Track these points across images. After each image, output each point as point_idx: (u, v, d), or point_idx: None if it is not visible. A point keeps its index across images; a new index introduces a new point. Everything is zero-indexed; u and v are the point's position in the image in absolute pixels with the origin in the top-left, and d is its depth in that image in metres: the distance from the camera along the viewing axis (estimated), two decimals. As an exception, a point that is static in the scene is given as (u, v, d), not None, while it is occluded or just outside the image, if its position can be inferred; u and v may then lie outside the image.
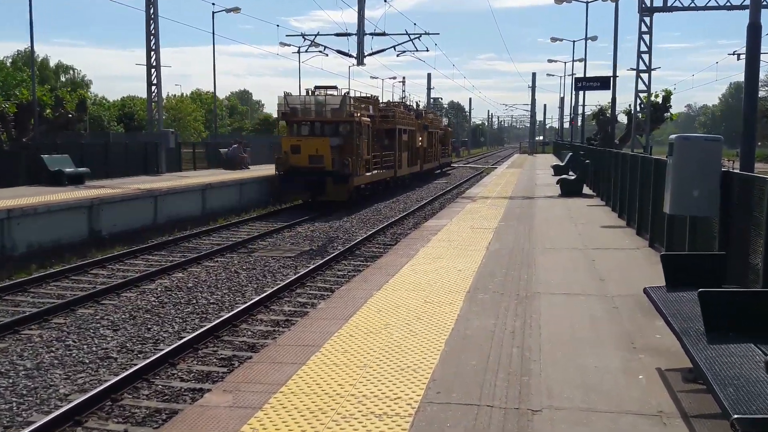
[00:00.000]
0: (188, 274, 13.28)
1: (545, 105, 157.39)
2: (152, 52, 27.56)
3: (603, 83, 33.25)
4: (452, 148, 61.32)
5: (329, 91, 27.09)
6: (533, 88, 75.84)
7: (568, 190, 21.26)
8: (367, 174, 27.61)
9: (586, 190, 22.14)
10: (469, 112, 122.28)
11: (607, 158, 18.89)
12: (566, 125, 79.20)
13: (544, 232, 13.18)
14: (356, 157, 25.78)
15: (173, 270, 13.45)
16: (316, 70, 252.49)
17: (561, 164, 31.20)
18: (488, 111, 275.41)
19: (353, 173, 25.23)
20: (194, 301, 11.19)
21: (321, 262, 14.10)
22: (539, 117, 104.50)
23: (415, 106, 44.85)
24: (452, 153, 60.74)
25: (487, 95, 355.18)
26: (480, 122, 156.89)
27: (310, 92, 27.00)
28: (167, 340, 9.15)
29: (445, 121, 60.43)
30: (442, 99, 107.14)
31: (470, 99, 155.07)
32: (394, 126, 32.58)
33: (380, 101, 35.91)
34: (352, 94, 27.75)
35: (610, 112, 36.72)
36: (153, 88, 27.91)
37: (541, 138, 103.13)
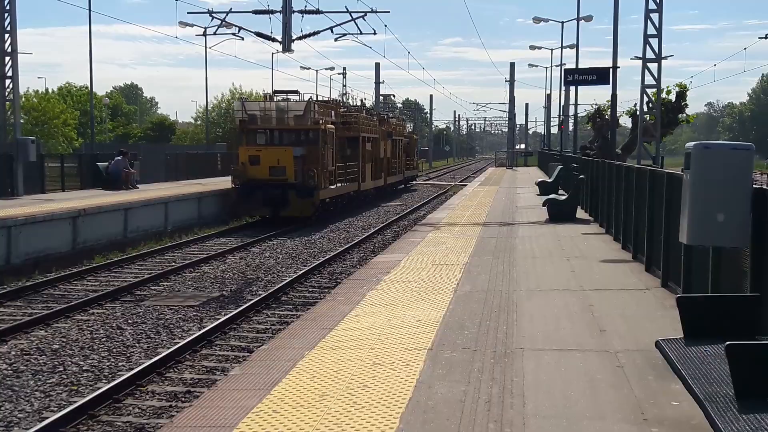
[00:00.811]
0: (53, 331, 13.01)
1: (527, 104, 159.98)
2: (7, 35, 27.10)
3: (600, 76, 33.91)
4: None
5: (290, 96, 31.21)
6: (512, 82, 77.06)
7: (558, 213, 21.59)
8: (332, 187, 31.10)
9: (580, 213, 22.52)
10: (430, 114, 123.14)
11: (606, 172, 19.26)
12: (554, 130, 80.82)
13: (527, 269, 13.32)
14: (321, 168, 29.19)
15: (32, 327, 13.17)
16: (229, 58, 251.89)
17: (548, 181, 31.92)
18: (454, 112, 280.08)
19: (319, 186, 28.53)
20: (61, 369, 10.94)
21: (235, 312, 13.96)
22: (520, 120, 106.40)
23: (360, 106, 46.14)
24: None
25: (452, 91, 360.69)
26: (444, 126, 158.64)
27: (269, 97, 31.09)
28: (23, 422, 8.91)
29: (409, 126, 62.97)
30: (394, 96, 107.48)
31: (431, 96, 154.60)
32: (358, 134, 35.95)
33: (341, 104, 39.36)
34: (309, 98, 31.27)
35: (609, 113, 37.53)
36: (7, 82, 27.40)
37: (523, 146, 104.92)
